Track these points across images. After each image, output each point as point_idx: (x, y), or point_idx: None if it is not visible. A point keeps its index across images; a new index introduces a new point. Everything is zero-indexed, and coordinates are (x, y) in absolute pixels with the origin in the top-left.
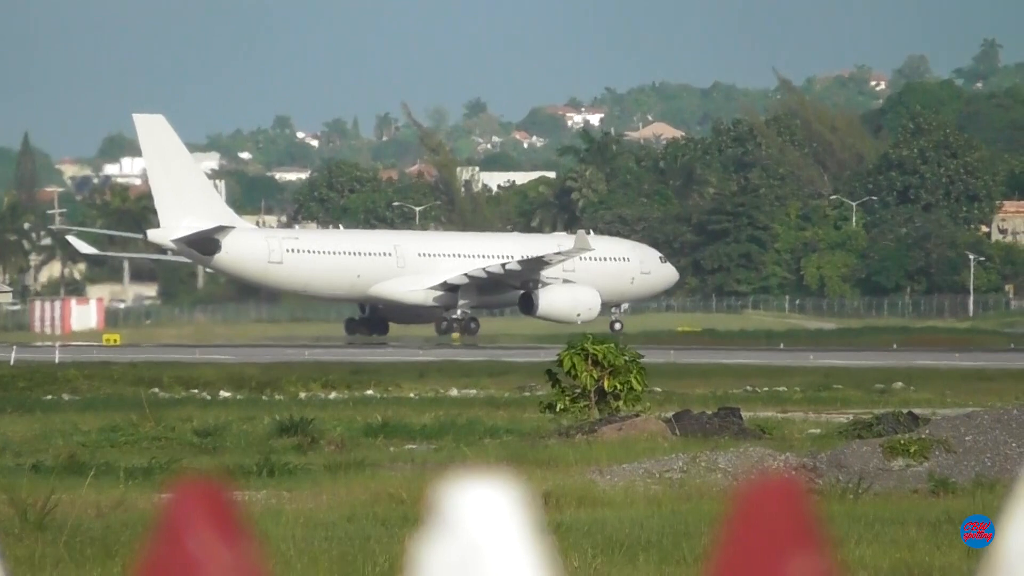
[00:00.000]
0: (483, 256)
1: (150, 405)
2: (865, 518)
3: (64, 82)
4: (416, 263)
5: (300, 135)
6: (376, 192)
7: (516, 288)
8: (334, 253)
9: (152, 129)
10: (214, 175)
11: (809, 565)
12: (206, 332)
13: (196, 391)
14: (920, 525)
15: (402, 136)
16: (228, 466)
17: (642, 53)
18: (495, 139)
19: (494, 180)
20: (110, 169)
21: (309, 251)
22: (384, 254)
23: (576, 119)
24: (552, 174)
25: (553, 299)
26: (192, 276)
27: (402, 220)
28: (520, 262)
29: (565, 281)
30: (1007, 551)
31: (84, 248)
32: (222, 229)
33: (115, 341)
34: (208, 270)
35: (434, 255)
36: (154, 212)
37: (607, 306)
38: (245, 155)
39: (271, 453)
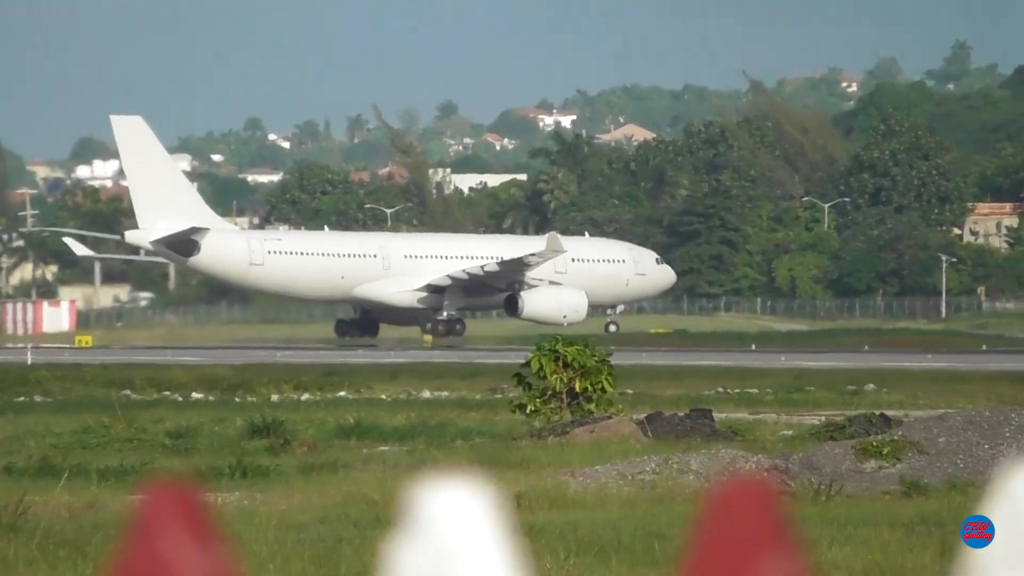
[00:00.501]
0: (470, 258)
1: (122, 407)
2: (837, 520)
3: (36, 84)
4: (402, 264)
5: (272, 137)
6: (348, 194)
7: (501, 290)
8: (318, 255)
9: (130, 130)
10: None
11: (781, 567)
12: (178, 334)
13: (168, 393)
14: (892, 527)
15: (374, 138)
16: (200, 468)
17: (613, 55)
18: (467, 141)
19: (466, 182)
20: (82, 171)
21: (291, 252)
22: (370, 255)
23: (547, 121)
24: (523, 176)
25: (538, 301)
26: (164, 278)
27: (374, 222)
28: (499, 264)
29: (552, 283)
30: (981, 552)
31: (80, 250)
32: (197, 230)
33: (87, 343)
34: (186, 271)
35: (420, 256)
36: (125, 214)
37: (602, 308)
38: (217, 157)
39: (243, 455)
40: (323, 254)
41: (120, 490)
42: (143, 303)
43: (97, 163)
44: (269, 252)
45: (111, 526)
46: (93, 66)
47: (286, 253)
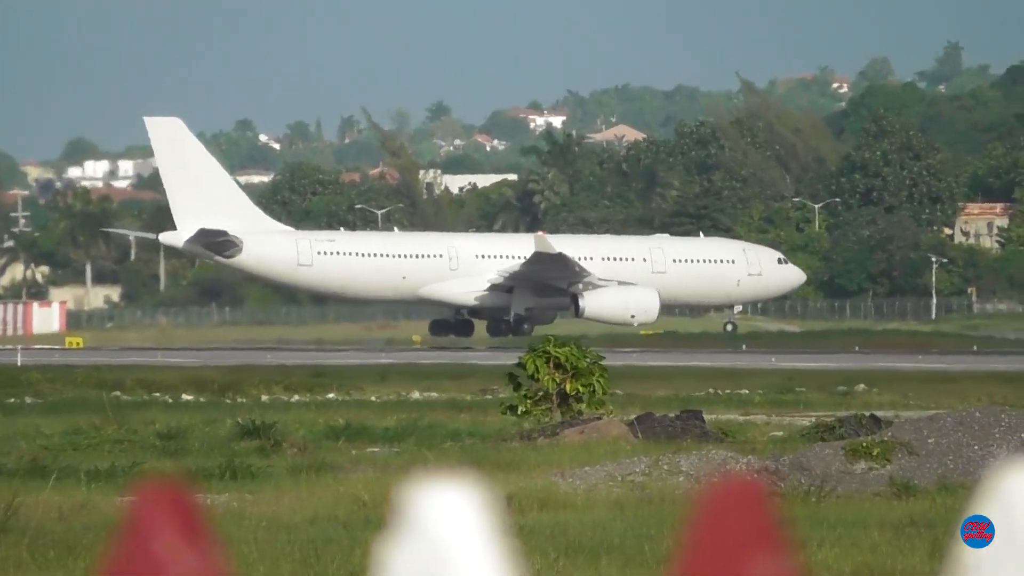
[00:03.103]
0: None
1: (113, 408)
2: (827, 521)
3: (29, 85)
4: (471, 265)
5: (263, 138)
6: (338, 195)
7: (566, 290)
8: (375, 255)
9: (166, 132)
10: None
11: (772, 568)
12: (168, 335)
13: (158, 394)
14: (882, 528)
15: (364, 139)
16: (190, 469)
17: (604, 55)
18: (457, 142)
19: (456, 183)
20: (73, 172)
21: (344, 253)
22: (436, 256)
23: (538, 122)
24: (514, 176)
25: (601, 301)
26: (154, 279)
27: (364, 223)
28: (523, 264)
29: (622, 283)
30: (971, 554)
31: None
32: (216, 231)
33: (78, 344)
34: (226, 271)
35: (492, 256)
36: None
37: (714, 308)
38: None
39: (233, 456)
40: (381, 255)
41: (110, 491)
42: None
43: (88, 163)
44: (319, 253)
45: (101, 527)
46: (85, 67)
47: (337, 254)
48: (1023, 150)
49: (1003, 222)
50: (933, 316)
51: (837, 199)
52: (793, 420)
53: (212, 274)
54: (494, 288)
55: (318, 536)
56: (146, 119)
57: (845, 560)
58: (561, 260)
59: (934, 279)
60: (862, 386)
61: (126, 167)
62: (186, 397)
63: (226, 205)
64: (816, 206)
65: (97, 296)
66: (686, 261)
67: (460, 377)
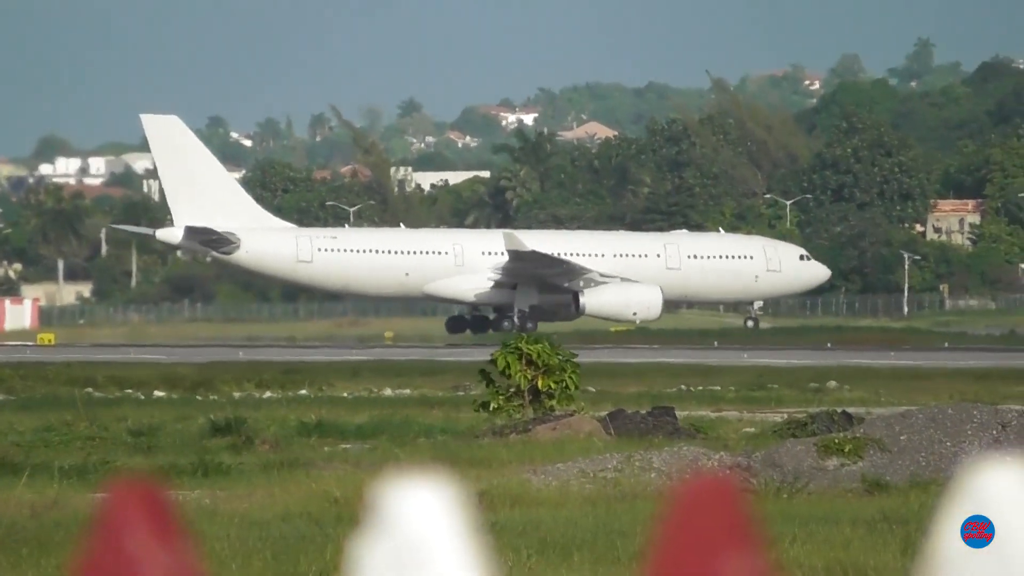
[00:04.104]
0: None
1: (85, 405)
2: (799, 517)
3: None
4: (476, 261)
5: (234, 135)
6: (310, 192)
7: (566, 288)
8: (377, 252)
9: (163, 129)
10: (148, 174)
11: (744, 564)
12: (140, 332)
13: (130, 391)
14: (855, 524)
15: (336, 136)
16: (162, 466)
17: (575, 53)
18: (429, 139)
19: (428, 180)
20: (45, 169)
21: (345, 250)
22: (441, 253)
23: (510, 119)
24: (486, 174)
25: (602, 299)
26: (126, 276)
27: (335, 220)
28: (509, 262)
29: (624, 280)
30: (943, 551)
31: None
32: (203, 230)
33: (49, 341)
34: (224, 268)
35: (498, 253)
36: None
37: (733, 305)
38: None
39: (205, 453)
40: (384, 251)
41: (82, 488)
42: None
43: (60, 161)
44: (319, 249)
45: (73, 524)
46: (56, 65)
47: (339, 251)
48: (994, 147)
49: (975, 219)
50: (905, 313)
51: (809, 196)
52: (765, 417)
53: (184, 271)
54: (498, 285)
55: (290, 533)
56: (143, 116)
57: (817, 556)
58: (536, 257)
59: (906, 276)
60: (834, 383)
61: (98, 164)
62: (158, 394)
63: (225, 202)
64: (788, 203)
65: (69, 293)
66: (702, 257)
67: (432, 374)
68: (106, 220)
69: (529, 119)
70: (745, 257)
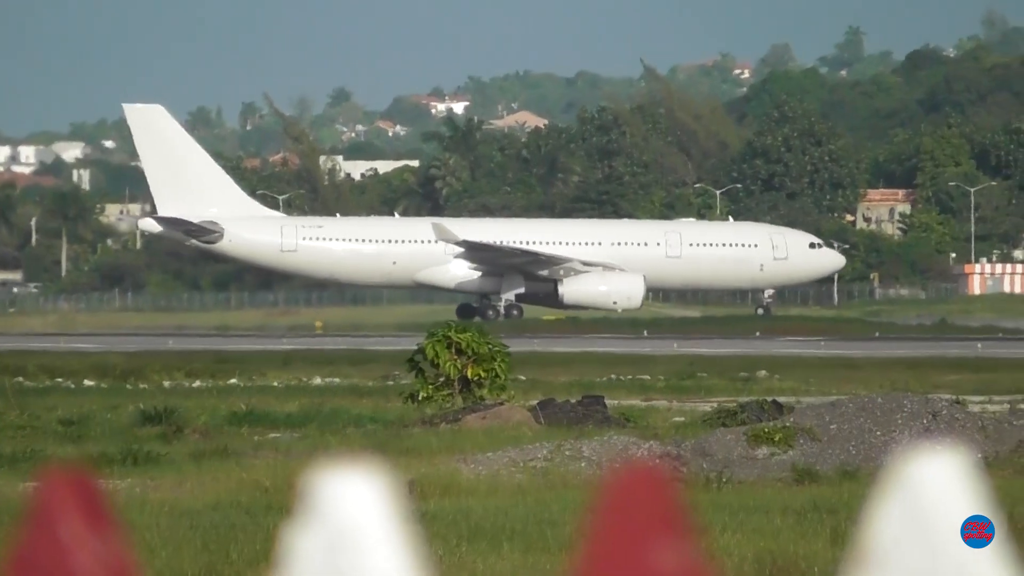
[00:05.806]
0: (544, 243)
1: (14, 394)
2: (729, 507)
3: None
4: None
5: None
6: (240, 180)
7: (546, 277)
8: (363, 240)
9: (146, 119)
10: (78, 164)
11: (675, 553)
12: (70, 321)
13: (61, 380)
14: (785, 513)
15: (266, 125)
16: (92, 455)
17: (506, 42)
18: (359, 128)
19: (358, 168)
20: None
21: (331, 239)
22: (427, 241)
23: (440, 108)
24: (416, 163)
25: (580, 288)
26: (56, 264)
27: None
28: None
29: (606, 268)
30: (874, 540)
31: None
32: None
33: None
34: (209, 257)
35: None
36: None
37: (739, 292)
38: (109, 143)
39: (135, 442)
40: (370, 240)
41: (13, 477)
42: (33, 290)
43: None
44: (304, 239)
45: (4, 513)
46: None
47: (324, 239)
48: (925, 136)
49: (905, 208)
50: (835, 302)
51: (739, 185)
52: (695, 406)
53: (114, 259)
54: (487, 274)
55: (221, 522)
56: (125, 106)
57: (747, 545)
58: (468, 246)
59: None
60: (764, 372)
61: (27, 153)
62: (88, 383)
63: (211, 191)
64: (718, 192)
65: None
66: (704, 245)
67: (362, 363)
68: (36, 210)
69: (459, 108)
70: (749, 245)
